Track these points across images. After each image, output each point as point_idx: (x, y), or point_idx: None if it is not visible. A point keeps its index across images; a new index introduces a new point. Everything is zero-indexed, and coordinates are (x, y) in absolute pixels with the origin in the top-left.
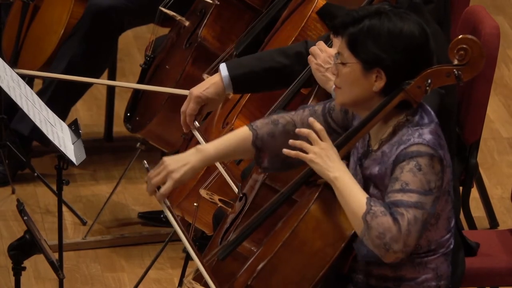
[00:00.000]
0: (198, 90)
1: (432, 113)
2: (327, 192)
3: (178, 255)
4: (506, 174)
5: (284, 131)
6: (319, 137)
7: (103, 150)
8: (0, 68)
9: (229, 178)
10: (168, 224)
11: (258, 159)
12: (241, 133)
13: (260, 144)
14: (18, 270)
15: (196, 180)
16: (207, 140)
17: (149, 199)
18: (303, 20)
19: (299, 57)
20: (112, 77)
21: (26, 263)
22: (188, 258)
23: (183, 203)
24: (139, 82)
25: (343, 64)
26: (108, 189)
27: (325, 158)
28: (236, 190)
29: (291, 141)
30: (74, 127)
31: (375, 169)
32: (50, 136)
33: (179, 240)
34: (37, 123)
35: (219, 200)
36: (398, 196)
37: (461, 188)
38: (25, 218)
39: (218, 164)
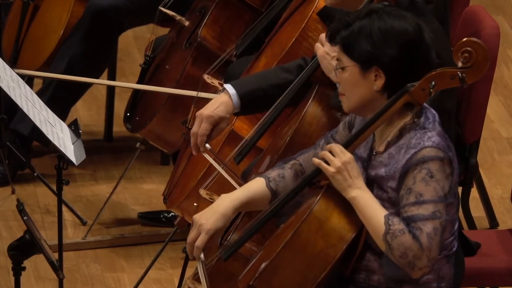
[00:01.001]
0: (209, 110)
1: (432, 109)
2: (330, 194)
3: (178, 255)
4: (506, 174)
5: (292, 173)
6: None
7: (103, 150)
8: (0, 68)
9: (229, 178)
10: (168, 224)
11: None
12: (253, 182)
13: (274, 186)
14: (18, 270)
15: (196, 180)
16: (219, 161)
17: (149, 199)
18: (303, 21)
19: (301, 70)
20: (112, 77)
21: (26, 263)
22: (187, 258)
23: (183, 203)
24: (139, 82)
25: (343, 69)
26: (108, 189)
27: (345, 174)
28: None
29: (314, 159)
30: (74, 127)
31: (381, 171)
32: (50, 136)
33: (179, 240)
34: (37, 123)
35: None
36: (414, 210)
37: (460, 188)
38: (25, 218)
39: (217, 165)
